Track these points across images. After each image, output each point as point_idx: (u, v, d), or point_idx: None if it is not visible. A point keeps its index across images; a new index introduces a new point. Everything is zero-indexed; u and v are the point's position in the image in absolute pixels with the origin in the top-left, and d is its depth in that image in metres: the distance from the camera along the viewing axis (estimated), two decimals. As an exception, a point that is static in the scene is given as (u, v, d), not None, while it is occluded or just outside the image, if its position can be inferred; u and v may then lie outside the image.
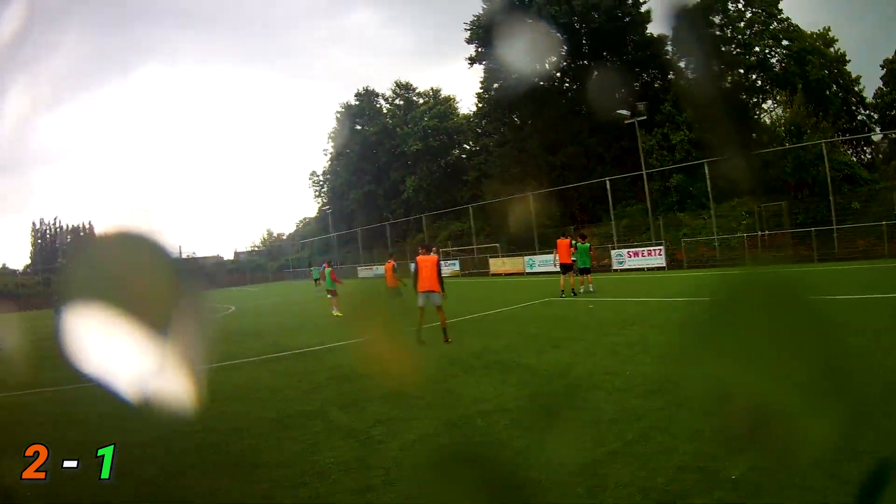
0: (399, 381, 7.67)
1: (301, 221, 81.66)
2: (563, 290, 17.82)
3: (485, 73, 44.55)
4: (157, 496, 4.90)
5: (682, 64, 38.27)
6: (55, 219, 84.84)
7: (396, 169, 54.75)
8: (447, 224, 45.98)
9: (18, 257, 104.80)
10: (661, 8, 36.83)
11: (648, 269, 26.89)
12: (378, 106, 59.02)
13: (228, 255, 79.72)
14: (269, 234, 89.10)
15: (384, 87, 63.84)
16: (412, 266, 12.37)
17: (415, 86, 57.42)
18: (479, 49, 43.27)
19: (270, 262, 74.10)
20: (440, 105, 53.47)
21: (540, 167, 38.42)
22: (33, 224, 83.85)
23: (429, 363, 9.35)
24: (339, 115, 62.89)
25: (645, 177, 30.02)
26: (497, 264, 34.71)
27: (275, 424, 6.57)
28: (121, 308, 2.91)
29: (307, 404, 7.31)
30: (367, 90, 59.69)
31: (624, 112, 30.78)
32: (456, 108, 53.98)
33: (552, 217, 35.81)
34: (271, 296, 36.36)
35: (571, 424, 5.57)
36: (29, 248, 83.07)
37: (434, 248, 13.08)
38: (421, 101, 55.73)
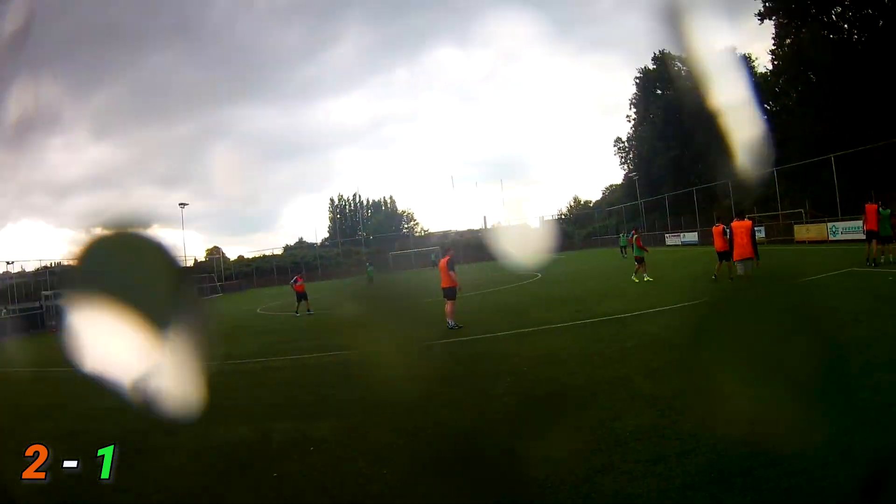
0: (704, 351, 6.80)
1: (607, 188, 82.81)
2: (868, 259, 16.49)
3: (775, 28, 42.98)
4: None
5: None
6: (354, 194, 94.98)
7: (702, 132, 53.61)
8: (753, 190, 44.28)
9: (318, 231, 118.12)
10: None
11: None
12: (676, 68, 58.24)
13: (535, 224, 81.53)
14: (577, 201, 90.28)
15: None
16: (727, 231, 13.45)
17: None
18: (768, 3, 41.82)
19: (578, 229, 75.18)
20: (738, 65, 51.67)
21: (840, 128, 36.37)
22: (331, 200, 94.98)
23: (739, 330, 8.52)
24: (637, 81, 64.28)
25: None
26: (801, 231, 33.87)
27: (580, 391, 6.78)
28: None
29: (613, 371, 7.48)
30: (663, 53, 59.92)
31: None
32: (754, 67, 51.17)
33: (855, 181, 33.21)
34: (577, 263, 37.12)
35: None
36: (327, 223, 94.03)
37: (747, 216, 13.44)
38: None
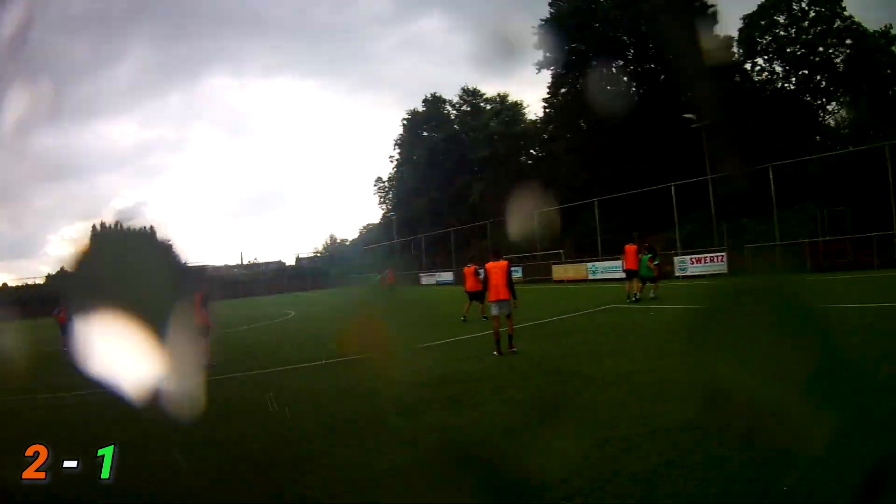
0: (456, 388, 7.94)
1: (364, 227, 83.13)
2: (629, 295, 17.55)
3: (552, 78, 44.30)
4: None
5: (747, 66, 37.89)
6: (117, 223, 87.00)
7: (463, 175, 54.56)
8: (513, 230, 44.83)
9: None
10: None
11: (710, 275, 26.11)
12: (445, 112, 59.48)
13: (290, 262, 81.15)
14: (333, 239, 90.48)
15: (452, 93, 64.10)
16: (481, 273, 12.59)
17: (482, 91, 57.35)
18: (547, 54, 42.95)
19: (333, 267, 74.16)
20: (507, 110, 53.41)
21: (606, 173, 37.93)
22: (94, 227, 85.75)
23: (487, 371, 9.31)
24: (405, 122, 63.71)
25: (710, 182, 29.37)
26: (560, 271, 34.23)
27: (330, 431, 6.63)
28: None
29: (364, 409, 7.42)
30: (434, 96, 60.28)
31: (690, 116, 30.18)
32: (523, 114, 53.74)
33: (616, 223, 35.04)
34: (331, 300, 36.39)
35: (629, 434, 5.36)
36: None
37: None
38: (488, 106, 55.63)
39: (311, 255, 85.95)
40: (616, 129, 38.04)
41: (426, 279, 48.77)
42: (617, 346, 10.20)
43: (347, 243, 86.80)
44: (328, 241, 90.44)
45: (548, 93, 45.42)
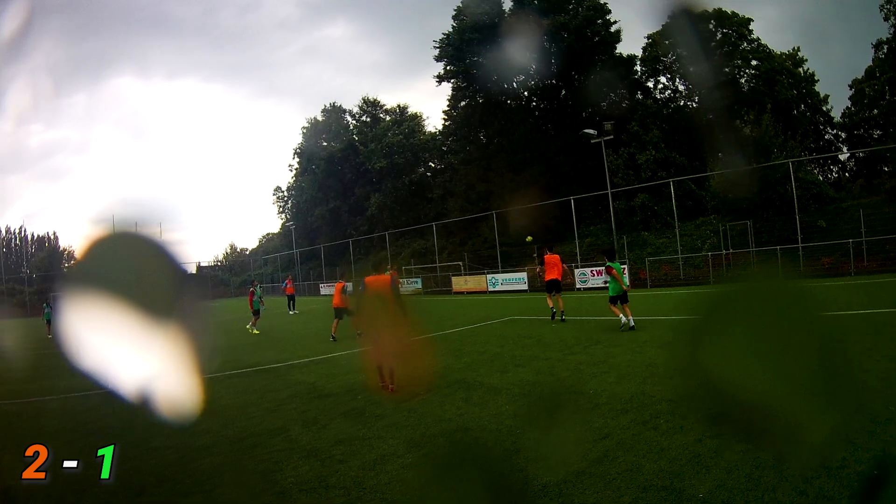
0: (361, 400, 7.87)
1: (264, 237, 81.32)
2: (554, 311, 15.39)
3: (453, 90, 44.78)
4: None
5: (650, 84, 38.98)
6: (21, 227, 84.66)
7: (362, 186, 54.44)
8: (411, 241, 45.57)
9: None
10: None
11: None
12: (345, 122, 58.95)
13: (191, 269, 77.62)
14: (233, 248, 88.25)
15: (353, 102, 64.00)
16: (345, 289, 11.90)
17: (383, 103, 57.41)
18: (448, 67, 43.32)
19: (233, 276, 73.23)
20: (407, 122, 53.38)
21: (505, 185, 38.24)
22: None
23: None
24: (304, 131, 62.85)
25: (610, 196, 29.89)
26: (460, 282, 34.43)
27: (236, 443, 6.60)
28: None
29: (269, 423, 7.31)
30: (334, 105, 59.76)
31: (591, 132, 30.64)
32: (423, 126, 54.01)
33: (515, 236, 34.97)
34: (231, 311, 35.41)
35: (535, 444, 5.46)
36: None
37: (390, 267, 12.10)
38: (388, 117, 55.54)
39: (212, 263, 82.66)
40: (516, 143, 38.86)
41: (326, 290, 47.68)
42: (520, 357, 10.08)
43: (247, 252, 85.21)
44: (228, 251, 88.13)
45: (448, 105, 45.86)
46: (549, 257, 16.02)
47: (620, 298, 13.05)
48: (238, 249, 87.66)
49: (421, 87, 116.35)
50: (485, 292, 31.48)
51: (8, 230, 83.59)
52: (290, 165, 68.47)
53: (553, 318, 15.17)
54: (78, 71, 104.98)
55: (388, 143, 50.45)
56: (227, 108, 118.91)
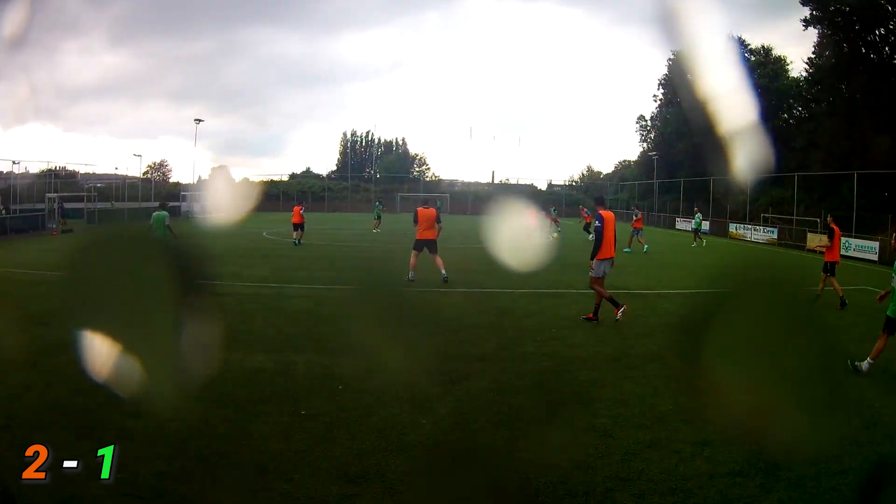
0: None
1: (620, 163, 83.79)
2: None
3: (819, 37, 43.07)
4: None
5: None
6: (368, 132, 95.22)
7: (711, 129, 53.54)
8: (769, 189, 44.94)
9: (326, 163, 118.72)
10: None
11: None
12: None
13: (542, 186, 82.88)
14: (590, 170, 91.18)
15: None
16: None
17: (747, 42, 55.26)
18: (814, 12, 41.72)
19: (588, 198, 74.40)
20: (772, 65, 52.04)
21: (868, 145, 36.75)
22: (344, 134, 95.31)
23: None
24: (669, 62, 63.86)
25: None
26: (814, 240, 33.28)
27: (613, 362, 7.06)
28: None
29: (643, 346, 7.85)
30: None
31: None
32: (788, 70, 52.07)
33: (872, 200, 34.64)
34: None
35: None
36: (337, 157, 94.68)
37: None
38: (752, 58, 53.87)
39: (565, 182, 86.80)
40: (881, 101, 37.01)
41: (682, 224, 49.83)
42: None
43: (602, 176, 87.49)
44: (584, 172, 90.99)
45: (813, 52, 44.32)
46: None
47: None
48: (594, 171, 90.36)
49: (784, 28, 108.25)
50: (835, 256, 31.20)
51: (354, 133, 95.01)
52: (654, 95, 69.63)
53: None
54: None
55: (752, 84, 48.89)
56: (586, 34, 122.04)
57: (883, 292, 7.97)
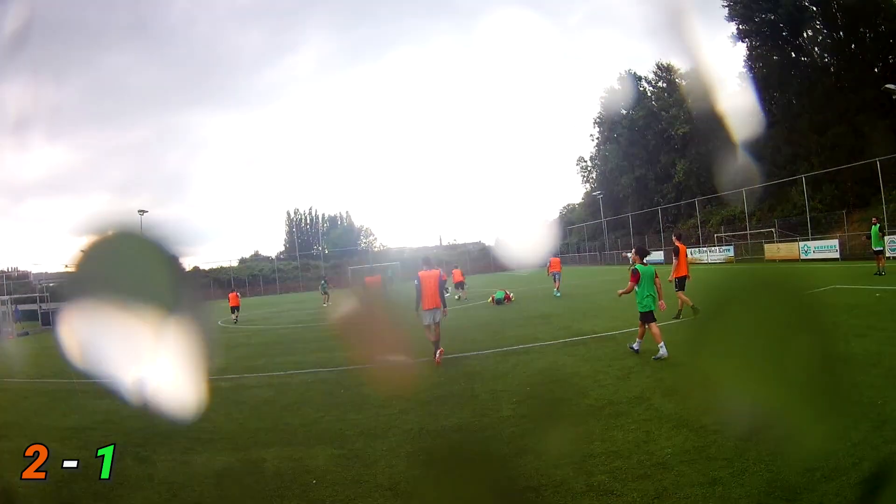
0: None
1: (565, 207, 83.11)
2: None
3: (748, 50, 44.07)
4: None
5: None
6: (310, 208, 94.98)
7: (666, 152, 54.60)
8: (719, 209, 45.45)
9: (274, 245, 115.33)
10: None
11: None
12: (641, 89, 59.28)
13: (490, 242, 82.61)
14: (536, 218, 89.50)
15: (646, 69, 64.31)
16: (416, 282, 11.02)
17: (677, 67, 56.21)
18: (741, 25, 42.83)
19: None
20: (702, 86, 52.55)
21: (810, 148, 37.50)
22: (288, 213, 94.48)
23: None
24: (603, 100, 64.83)
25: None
26: (772, 250, 34.53)
27: (597, 411, 6.66)
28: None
29: (625, 391, 7.41)
30: (629, 73, 60.38)
31: (892, 86, 29.16)
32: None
33: (823, 200, 35.01)
34: (542, 281, 32.69)
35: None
36: (283, 238, 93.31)
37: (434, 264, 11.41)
38: (683, 82, 54.21)
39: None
40: (816, 102, 37.74)
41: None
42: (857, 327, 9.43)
43: (548, 223, 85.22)
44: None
45: (744, 66, 45.10)
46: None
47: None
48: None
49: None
50: (797, 260, 31.50)
51: (297, 211, 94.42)
52: (591, 135, 70.64)
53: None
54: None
55: (689, 108, 49.24)
56: (520, 80, 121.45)
57: None
